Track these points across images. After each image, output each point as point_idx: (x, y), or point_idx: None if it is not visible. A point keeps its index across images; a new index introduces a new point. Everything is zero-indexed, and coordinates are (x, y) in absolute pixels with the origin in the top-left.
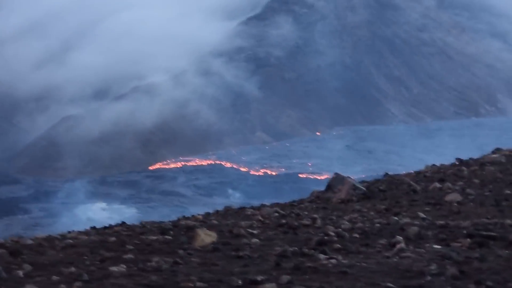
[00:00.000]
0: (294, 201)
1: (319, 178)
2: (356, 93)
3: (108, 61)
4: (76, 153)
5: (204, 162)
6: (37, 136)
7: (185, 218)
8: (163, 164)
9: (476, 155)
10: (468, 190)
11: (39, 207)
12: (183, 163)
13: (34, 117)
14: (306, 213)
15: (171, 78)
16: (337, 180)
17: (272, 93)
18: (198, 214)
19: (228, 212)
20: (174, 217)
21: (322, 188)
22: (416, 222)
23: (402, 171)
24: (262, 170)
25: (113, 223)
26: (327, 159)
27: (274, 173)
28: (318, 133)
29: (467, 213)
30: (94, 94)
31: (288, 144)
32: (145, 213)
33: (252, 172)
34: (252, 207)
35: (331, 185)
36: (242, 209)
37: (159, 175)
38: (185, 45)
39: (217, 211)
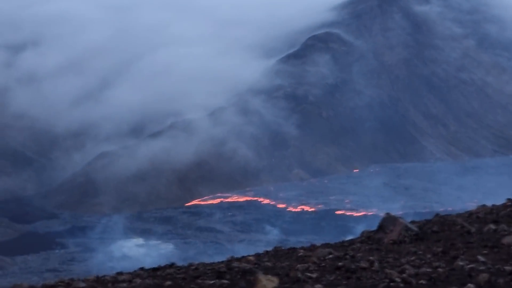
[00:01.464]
0: (344, 242)
1: (356, 215)
2: (393, 130)
3: (145, 99)
4: (112, 189)
5: (241, 199)
6: (74, 172)
7: (236, 259)
8: (200, 201)
9: None
10: None
11: (76, 242)
12: (220, 199)
13: (71, 154)
14: (360, 254)
15: (208, 116)
16: (388, 220)
17: (309, 131)
18: (249, 256)
19: (278, 252)
20: (211, 253)
21: (360, 225)
22: (482, 268)
23: (440, 208)
24: (299, 207)
25: (149, 259)
26: (364, 196)
27: (311, 210)
28: (355, 170)
29: None
30: (131, 131)
31: (325, 181)
32: (181, 249)
33: (289, 209)
34: (303, 248)
35: (382, 225)
36: (292, 249)
37: (196, 211)
38: (223, 83)
39: (267, 252)
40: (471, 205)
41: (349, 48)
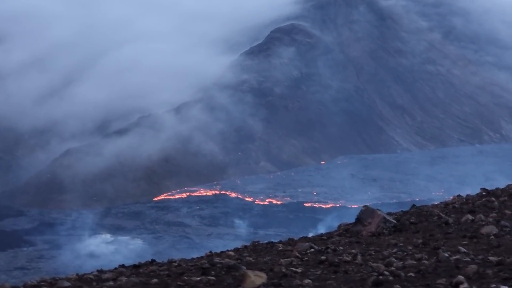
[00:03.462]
0: (323, 235)
1: (324, 207)
2: (360, 122)
3: (111, 95)
4: (79, 185)
5: (209, 193)
6: (40, 169)
7: (216, 254)
8: (168, 195)
9: (480, 182)
10: (503, 222)
11: (44, 239)
12: (187, 193)
13: (36, 152)
14: (341, 248)
15: (174, 111)
16: (366, 213)
17: (276, 124)
18: (229, 251)
19: (257, 247)
20: (180, 248)
21: (329, 217)
22: (467, 259)
23: (407, 199)
24: (267, 200)
25: (119, 255)
26: (332, 188)
27: (279, 203)
28: (322, 162)
29: (507, 247)
30: (96, 128)
31: (292, 174)
32: (151, 244)
33: (257, 202)
34: (282, 242)
35: (360, 218)
36: (271, 244)
37: (164, 206)
38: (189, 78)
39: (246, 247)
40: (438, 195)
41: (314, 40)
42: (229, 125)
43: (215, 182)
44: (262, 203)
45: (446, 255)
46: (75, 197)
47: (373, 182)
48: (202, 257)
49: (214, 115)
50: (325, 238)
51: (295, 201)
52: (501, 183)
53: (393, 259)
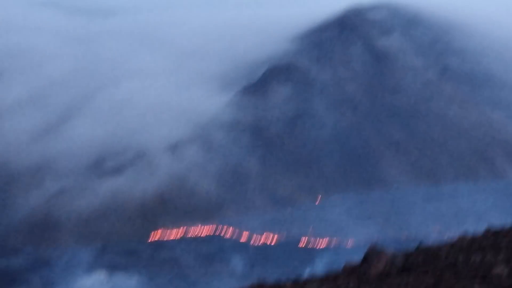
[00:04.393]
0: (330, 275)
1: (320, 243)
2: (355, 158)
3: (106, 132)
4: (74, 224)
5: (204, 230)
6: (35, 207)
7: None
8: (163, 233)
9: (476, 218)
10: None
11: (39, 276)
12: (183, 231)
13: (30, 190)
14: None
15: (170, 149)
16: (373, 252)
17: (272, 161)
18: None
19: (263, 287)
20: (176, 285)
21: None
22: None
23: (403, 235)
24: (263, 237)
25: None
26: (327, 224)
27: (275, 240)
28: (318, 200)
29: None
30: (91, 166)
31: (288, 211)
32: (146, 284)
33: (253, 239)
34: (289, 283)
35: (367, 257)
36: (277, 284)
37: (159, 244)
38: (184, 116)
39: (252, 286)
40: (434, 232)
41: (309, 77)
42: (225, 163)
43: (210, 220)
44: (258, 240)
45: None
46: (70, 235)
47: (368, 219)
48: None
49: (210, 153)
50: (332, 278)
51: (291, 238)
52: (497, 219)
53: None
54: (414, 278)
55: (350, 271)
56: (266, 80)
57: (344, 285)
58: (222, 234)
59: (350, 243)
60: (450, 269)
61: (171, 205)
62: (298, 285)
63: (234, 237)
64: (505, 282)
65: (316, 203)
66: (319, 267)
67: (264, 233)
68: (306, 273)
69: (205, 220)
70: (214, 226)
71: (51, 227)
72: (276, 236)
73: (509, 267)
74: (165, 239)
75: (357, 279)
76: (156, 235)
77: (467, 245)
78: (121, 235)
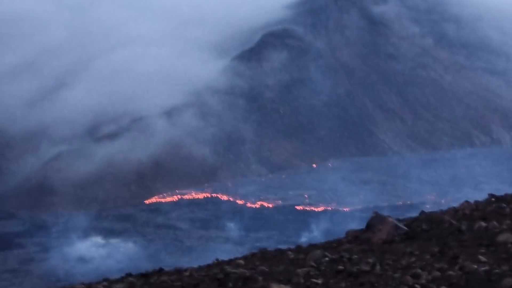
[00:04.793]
0: (332, 242)
1: (315, 209)
2: (350, 125)
3: (102, 99)
4: (70, 189)
5: (200, 195)
6: (30, 173)
7: (225, 262)
8: (159, 198)
9: (472, 185)
10: None
11: (34, 241)
12: (178, 196)
13: (26, 155)
14: (356, 256)
15: (165, 115)
16: (376, 219)
17: (267, 127)
18: (237, 259)
19: (266, 255)
20: (171, 251)
21: (320, 220)
22: (498, 271)
23: (398, 202)
24: (258, 203)
25: (110, 259)
26: (323, 190)
27: (270, 205)
28: (313, 165)
29: None
30: (87, 132)
31: (283, 177)
32: (142, 248)
33: (248, 205)
34: (291, 249)
35: (370, 225)
36: (280, 251)
37: (155, 209)
38: (180, 83)
39: (254, 254)
40: (430, 198)
41: (305, 45)
42: (221, 128)
43: (206, 185)
44: (253, 205)
45: (475, 266)
46: (66, 200)
47: (364, 185)
48: (210, 265)
49: (205, 119)
50: (335, 245)
51: (287, 204)
52: (492, 186)
53: (419, 271)
54: (418, 246)
55: (353, 238)
56: (261, 46)
57: (347, 252)
58: (217, 200)
59: (346, 208)
60: (454, 237)
61: (166, 170)
62: (300, 252)
63: (229, 203)
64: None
65: (312, 169)
66: (315, 233)
67: (260, 199)
68: (303, 238)
69: (200, 185)
70: (209, 192)
71: (47, 192)
72: (271, 201)
73: None
74: (160, 204)
75: (360, 246)
76: (151, 200)
77: (470, 213)
78: (117, 200)
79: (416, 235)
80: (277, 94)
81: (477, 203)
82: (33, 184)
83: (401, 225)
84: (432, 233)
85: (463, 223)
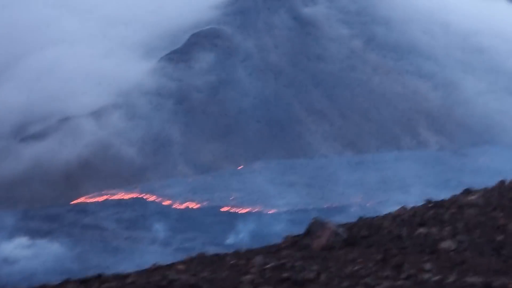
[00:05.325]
0: (270, 247)
1: (241, 211)
2: (277, 127)
3: (28, 99)
4: None
5: (127, 196)
6: None
7: (164, 267)
8: (86, 198)
9: (398, 187)
10: (459, 237)
11: None
12: (105, 197)
13: None
14: (299, 263)
15: (92, 116)
16: (316, 225)
17: (194, 128)
18: (177, 264)
19: (204, 260)
20: (98, 251)
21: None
22: (450, 280)
23: (324, 205)
24: (184, 204)
25: (38, 260)
26: (249, 192)
27: (196, 207)
28: (239, 167)
29: (471, 265)
30: (14, 131)
31: (210, 178)
32: (68, 248)
33: (174, 206)
34: (230, 254)
35: (310, 230)
36: (218, 256)
37: (81, 209)
38: (108, 83)
39: (192, 259)
40: (356, 201)
41: (233, 45)
42: (148, 129)
43: (133, 186)
44: (179, 207)
45: (426, 276)
46: None
47: (291, 188)
48: (149, 270)
49: (133, 119)
50: (274, 250)
51: (213, 205)
52: (419, 189)
53: (369, 280)
54: (359, 253)
55: (291, 243)
56: (189, 47)
57: (288, 258)
58: (144, 201)
59: (272, 211)
60: (394, 244)
61: (94, 171)
62: (240, 257)
63: (156, 204)
64: (455, 258)
65: (238, 170)
66: (242, 235)
67: (186, 200)
68: (230, 240)
69: (127, 186)
70: (137, 192)
71: None
72: (198, 203)
73: (456, 242)
74: (87, 205)
75: (300, 252)
76: (78, 201)
77: (409, 218)
78: (44, 200)
79: (356, 241)
80: (204, 95)
81: (414, 208)
82: None
83: (341, 231)
84: (372, 239)
85: (403, 230)
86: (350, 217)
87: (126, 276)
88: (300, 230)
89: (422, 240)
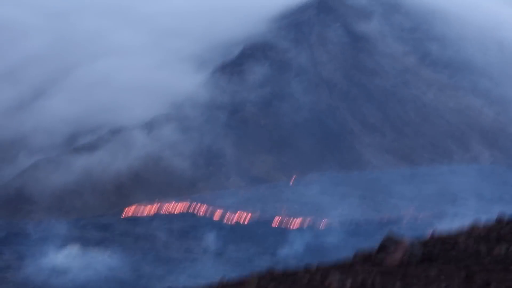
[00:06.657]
0: (341, 263)
1: (294, 222)
2: (331, 139)
3: (81, 109)
4: (48, 197)
5: (178, 207)
6: (8, 180)
7: (236, 284)
8: (137, 209)
9: (450, 201)
10: None
11: (11, 249)
12: (157, 207)
13: (4, 164)
14: (378, 280)
15: (145, 127)
16: (390, 240)
17: (247, 140)
18: (249, 279)
19: (277, 276)
20: (149, 261)
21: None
22: None
23: (376, 216)
24: (236, 215)
25: (88, 268)
26: (302, 204)
27: (248, 218)
28: (292, 179)
29: None
30: (66, 142)
31: (262, 189)
32: (119, 257)
33: (226, 217)
34: (304, 271)
35: (384, 245)
36: (290, 272)
37: (133, 219)
38: (160, 94)
39: (264, 275)
40: (409, 213)
41: (287, 58)
42: (200, 141)
43: (185, 197)
44: (231, 217)
45: None
46: (44, 208)
47: (344, 199)
48: (218, 285)
49: (185, 131)
50: (347, 266)
51: (265, 216)
52: (472, 203)
53: None
54: (439, 269)
55: (363, 259)
56: (243, 59)
57: (365, 274)
58: (196, 212)
59: (325, 222)
60: (474, 260)
61: (145, 182)
62: (312, 273)
63: (207, 215)
64: None
65: (291, 183)
66: (295, 246)
67: (238, 211)
68: (283, 251)
69: (179, 197)
70: (188, 203)
71: (25, 201)
72: (250, 214)
73: None
74: (138, 215)
75: (375, 268)
76: (130, 211)
77: (485, 234)
78: (95, 210)
79: (432, 258)
80: (257, 107)
81: (487, 224)
82: (10, 192)
83: (415, 247)
84: (449, 256)
85: (480, 246)
86: (403, 230)
87: None
88: (354, 242)
89: (503, 256)
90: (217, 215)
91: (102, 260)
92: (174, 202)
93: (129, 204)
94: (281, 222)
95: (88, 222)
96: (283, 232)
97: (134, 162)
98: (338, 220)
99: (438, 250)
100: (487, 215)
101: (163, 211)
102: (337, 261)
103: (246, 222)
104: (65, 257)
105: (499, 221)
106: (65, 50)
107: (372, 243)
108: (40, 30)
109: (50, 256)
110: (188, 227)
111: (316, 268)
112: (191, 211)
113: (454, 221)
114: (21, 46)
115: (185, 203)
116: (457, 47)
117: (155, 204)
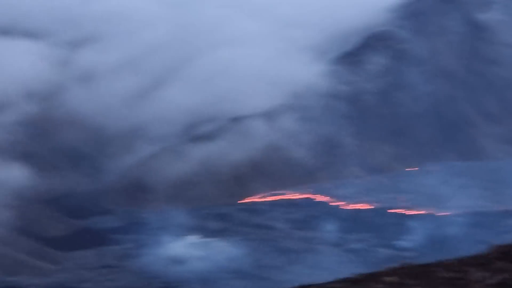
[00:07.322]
0: (476, 257)
1: (412, 213)
2: (450, 129)
3: (201, 98)
4: (166, 186)
5: (298, 196)
6: (128, 169)
7: (371, 277)
8: (256, 198)
9: None
10: None
11: (130, 238)
12: (276, 197)
13: (124, 152)
14: None
15: (264, 116)
16: None
17: (365, 130)
18: (386, 274)
19: (411, 270)
20: (267, 251)
21: (416, 224)
22: None
23: (498, 208)
24: (355, 205)
25: (209, 258)
26: (421, 194)
27: (367, 208)
28: (411, 168)
29: None
30: (185, 131)
31: (381, 179)
32: (237, 247)
33: (345, 206)
34: (438, 265)
35: None
36: (424, 267)
37: (252, 208)
38: (279, 84)
39: (397, 269)
40: None
41: (406, 48)
42: (320, 131)
43: (304, 186)
44: (350, 207)
45: None
46: (161, 198)
47: (464, 190)
48: (353, 280)
49: (304, 120)
50: (485, 262)
51: (384, 206)
52: None
53: None
54: None
55: (501, 253)
56: (362, 49)
57: (509, 272)
58: (315, 201)
59: (444, 213)
60: None
61: (264, 171)
62: (450, 269)
63: (327, 204)
64: None
65: (410, 173)
66: (416, 237)
67: (357, 201)
68: (403, 242)
69: (298, 186)
70: (308, 192)
71: (143, 190)
72: (369, 204)
73: None
74: (257, 205)
75: None
76: (248, 200)
77: None
78: (214, 199)
79: None
80: (377, 98)
81: None
82: (129, 181)
83: None
84: None
85: None
86: None
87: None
88: (478, 234)
89: None
90: (336, 205)
91: (221, 250)
92: (293, 192)
93: (248, 194)
94: (400, 212)
95: (207, 212)
96: (402, 222)
97: (253, 151)
98: (459, 211)
99: None
100: None
101: (281, 201)
102: (471, 256)
103: (365, 212)
104: (183, 247)
105: None
106: (186, 40)
107: (495, 235)
108: (161, 20)
109: (169, 245)
110: (307, 217)
111: (453, 264)
112: (311, 201)
113: None
114: (142, 35)
115: (304, 193)
116: None
117: (274, 194)
